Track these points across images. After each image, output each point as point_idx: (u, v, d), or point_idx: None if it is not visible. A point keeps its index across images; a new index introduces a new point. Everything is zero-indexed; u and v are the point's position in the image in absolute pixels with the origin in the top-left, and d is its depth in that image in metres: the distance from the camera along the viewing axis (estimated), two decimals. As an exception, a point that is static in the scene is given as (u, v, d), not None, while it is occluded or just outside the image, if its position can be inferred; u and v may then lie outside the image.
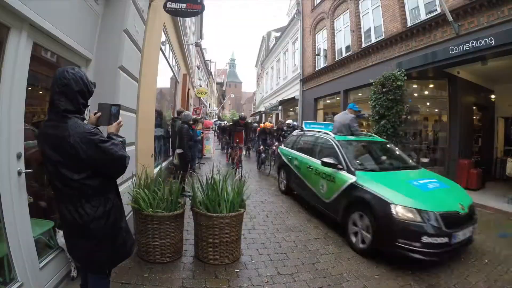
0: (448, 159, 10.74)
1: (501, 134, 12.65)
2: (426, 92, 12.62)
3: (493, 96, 12.97)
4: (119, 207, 2.38)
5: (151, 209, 3.81)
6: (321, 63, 18.43)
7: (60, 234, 3.03)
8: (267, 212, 6.60)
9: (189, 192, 4.55)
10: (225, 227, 3.94)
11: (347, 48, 15.49)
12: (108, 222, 2.22)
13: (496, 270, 4.18)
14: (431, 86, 12.31)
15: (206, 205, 4.06)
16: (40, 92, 3.31)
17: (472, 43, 8.40)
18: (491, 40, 7.92)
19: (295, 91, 22.20)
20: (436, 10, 10.04)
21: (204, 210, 4.03)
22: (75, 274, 3.16)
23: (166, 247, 3.89)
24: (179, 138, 7.50)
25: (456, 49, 8.91)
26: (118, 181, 2.49)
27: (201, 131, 14.87)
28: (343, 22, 15.90)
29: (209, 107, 43.20)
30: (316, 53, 18.84)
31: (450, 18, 8.81)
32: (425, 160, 10.85)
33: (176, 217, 3.93)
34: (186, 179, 5.95)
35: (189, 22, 15.82)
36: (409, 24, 11.22)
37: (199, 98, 26.04)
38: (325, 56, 17.79)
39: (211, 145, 15.94)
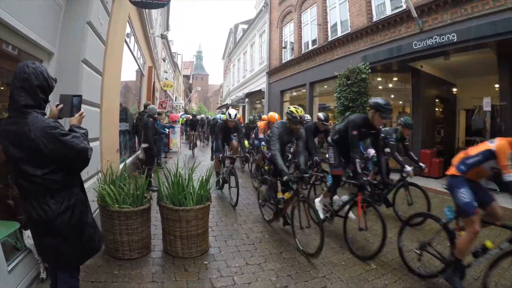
0: (411, 149, 11.23)
1: (463, 125, 13.43)
2: (390, 85, 13.07)
3: (455, 89, 13.64)
4: (84, 201, 2.36)
5: (117, 205, 3.77)
6: (287, 56, 18.67)
7: (26, 234, 2.95)
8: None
9: (155, 186, 4.53)
10: (192, 220, 3.96)
11: (314, 41, 15.75)
12: (73, 217, 2.20)
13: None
14: (395, 79, 12.77)
15: (172, 199, 4.07)
16: (2, 88, 3.19)
17: (435, 38, 8.80)
18: (453, 36, 8.32)
19: (261, 84, 22.35)
20: (401, 6, 10.40)
21: (170, 204, 4.03)
22: (45, 276, 3.09)
23: (134, 242, 3.86)
24: (144, 132, 7.43)
25: (419, 44, 9.30)
26: (83, 177, 2.46)
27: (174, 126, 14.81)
28: (310, 15, 16.15)
29: (176, 101, 42.54)
30: (283, 46, 19.06)
31: (414, 14, 9.16)
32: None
33: (142, 212, 3.91)
34: (152, 174, 5.92)
35: (155, 13, 15.51)
36: (375, 19, 11.58)
37: (165, 91, 25.60)
38: (292, 49, 18.02)
39: (178, 139, 15.79)
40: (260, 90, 22.29)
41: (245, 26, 29.28)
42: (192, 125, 17.12)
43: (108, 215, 3.78)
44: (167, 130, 12.56)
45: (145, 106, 8.84)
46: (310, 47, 15.98)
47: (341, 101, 10.50)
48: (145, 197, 4.10)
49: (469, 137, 12.19)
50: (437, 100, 13.25)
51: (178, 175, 4.17)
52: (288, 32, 18.65)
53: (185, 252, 4.00)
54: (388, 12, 10.98)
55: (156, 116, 8.33)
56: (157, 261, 3.91)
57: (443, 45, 8.70)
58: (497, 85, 9.36)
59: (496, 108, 9.18)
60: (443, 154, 11.14)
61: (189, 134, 18.23)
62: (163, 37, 17.51)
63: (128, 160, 7.97)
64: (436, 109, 13.36)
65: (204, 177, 4.33)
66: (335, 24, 14.13)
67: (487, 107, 8.38)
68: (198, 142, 18.35)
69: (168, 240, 4.07)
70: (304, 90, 16.81)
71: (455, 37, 8.30)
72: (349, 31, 12.85)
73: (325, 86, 15.31)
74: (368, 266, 4.01)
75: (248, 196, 7.32)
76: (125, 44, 7.41)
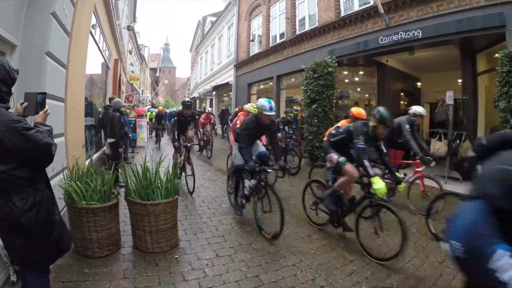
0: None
1: (427, 117, 14.02)
2: (356, 79, 13.47)
3: (419, 84, 14.26)
4: (50, 198, 2.32)
5: (84, 202, 3.69)
6: (255, 49, 18.78)
7: None
8: (203, 198, 6.69)
9: (122, 182, 4.48)
10: (160, 214, 3.95)
11: (282, 35, 15.89)
12: (40, 214, 2.17)
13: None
14: (361, 72, 13.18)
15: (140, 193, 4.04)
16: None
17: (401, 34, 9.13)
18: (418, 32, 8.69)
19: (229, 77, 22.37)
20: (369, 2, 10.66)
21: (138, 198, 4.01)
22: (15, 279, 2.98)
23: (104, 239, 3.81)
24: (110, 127, 7.28)
25: (385, 39, 9.62)
26: (49, 174, 2.42)
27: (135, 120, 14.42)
28: (278, 9, 16.28)
29: (142, 94, 41.68)
30: (251, 39, 19.12)
31: (381, 10, 9.42)
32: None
33: (110, 207, 3.86)
34: (119, 169, 5.84)
35: (122, 4, 15.12)
36: (342, 14, 11.80)
37: (132, 84, 25.05)
38: (260, 42, 18.10)
39: (145, 133, 15.52)
40: (227, 83, 22.27)
41: (214, 19, 29.05)
42: (181, 125, 8.12)
43: (75, 212, 3.70)
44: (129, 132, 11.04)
45: (110, 100, 8.64)
46: (278, 41, 16.12)
47: (308, 94, 10.70)
48: (113, 192, 4.04)
49: (433, 129, 12.75)
50: (402, 94, 13.76)
51: (145, 169, 4.13)
52: (257, 25, 18.72)
53: (155, 246, 3.99)
54: (356, 7, 11.24)
55: (122, 109, 8.18)
56: (128, 257, 3.88)
57: (409, 41, 9.06)
58: (460, 80, 9.86)
59: (459, 102, 9.68)
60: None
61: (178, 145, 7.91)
62: (130, 28, 17.15)
63: (95, 156, 7.78)
64: (401, 102, 13.89)
65: (171, 171, 4.30)
66: (303, 18, 14.31)
67: (449, 101, 8.79)
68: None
69: (137, 236, 4.05)
70: (271, 83, 16.99)
71: (420, 34, 8.66)
72: (317, 25, 13.04)
73: (292, 79, 15.54)
74: (335, 253, 4.17)
75: (216, 190, 7.36)
76: (90, 36, 7.19)
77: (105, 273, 3.45)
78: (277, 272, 3.63)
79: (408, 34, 8.96)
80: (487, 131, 8.58)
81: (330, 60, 10.64)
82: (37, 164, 2.22)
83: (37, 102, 2.28)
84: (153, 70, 72.98)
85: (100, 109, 9.33)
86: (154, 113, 20.05)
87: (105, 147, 7.96)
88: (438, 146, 9.26)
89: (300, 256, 4.07)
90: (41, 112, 2.31)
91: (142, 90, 42.61)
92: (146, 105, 34.40)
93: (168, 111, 22.38)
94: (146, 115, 17.73)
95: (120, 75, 14.91)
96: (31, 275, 2.29)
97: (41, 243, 2.19)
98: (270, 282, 3.41)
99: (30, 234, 2.13)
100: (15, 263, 2.61)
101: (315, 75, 10.54)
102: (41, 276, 2.33)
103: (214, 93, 26.90)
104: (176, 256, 3.94)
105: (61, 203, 3.09)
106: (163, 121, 17.52)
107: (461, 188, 5.79)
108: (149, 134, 18.09)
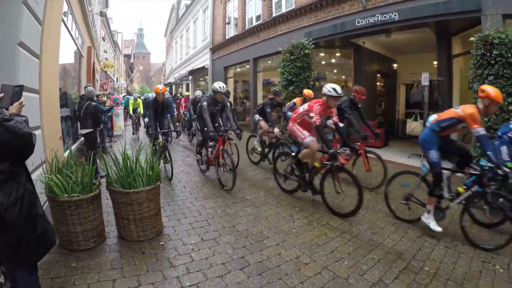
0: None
1: (403, 98, 14.51)
2: (333, 60, 13.60)
3: (395, 65, 14.53)
4: (32, 192, 2.30)
5: (66, 194, 3.66)
6: (231, 32, 18.64)
7: None
8: (184, 183, 6.73)
9: (102, 172, 4.44)
10: (143, 201, 3.97)
11: (258, 17, 15.82)
12: (23, 209, 2.15)
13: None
14: (338, 54, 13.29)
15: (122, 182, 4.04)
16: None
17: (378, 16, 9.24)
18: (395, 15, 8.81)
19: (205, 61, 22.21)
20: (346, -16, 10.60)
21: (120, 187, 4.00)
22: (3, 280, 2.96)
23: (88, 231, 3.80)
24: (84, 117, 7.15)
25: (362, 22, 9.70)
26: (29, 169, 2.39)
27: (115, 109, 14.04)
28: (254, -9, 16.06)
29: (117, 81, 40.74)
30: (227, 21, 18.95)
31: (359, -8, 9.47)
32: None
33: (93, 198, 3.83)
34: (97, 160, 5.79)
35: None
36: (319, -5, 11.75)
37: (106, 72, 24.43)
38: (236, 25, 17.97)
39: (122, 122, 15.19)
40: (203, 67, 22.07)
41: (188, 2, 28.43)
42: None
43: (58, 206, 3.67)
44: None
45: (85, 89, 8.47)
46: (254, 23, 16.03)
47: (285, 76, 10.79)
48: (94, 183, 4.01)
49: (409, 110, 13.10)
50: (378, 75, 13.99)
51: (125, 157, 4.10)
52: (232, 7, 18.53)
53: (140, 235, 4.02)
54: (333, -11, 11.21)
55: (96, 98, 8.06)
56: (114, 248, 3.89)
57: (385, 23, 9.17)
58: (435, 62, 10.09)
59: (434, 83, 9.93)
60: (385, 125, 12.14)
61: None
62: (102, 14, 16.68)
63: (73, 147, 7.66)
64: (378, 83, 14.13)
65: (151, 158, 4.28)
66: (280, 0, 14.25)
67: (425, 82, 9.05)
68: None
69: (122, 225, 4.06)
70: (248, 66, 16.97)
71: (397, 16, 8.78)
72: (294, 7, 13.01)
73: (269, 62, 15.55)
74: (317, 231, 4.32)
75: (197, 174, 7.42)
76: (62, 23, 6.98)
77: (92, 265, 3.45)
78: (262, 252, 3.73)
79: (385, 17, 9.06)
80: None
81: (307, 42, 10.70)
82: (18, 155, 2.20)
83: (13, 93, 2.27)
84: (127, 56, 71.48)
85: (75, 99, 9.13)
86: (140, 101, 15.36)
87: (82, 138, 7.82)
88: (414, 126, 9.64)
89: (283, 235, 4.19)
90: (16, 103, 2.28)
91: (117, 78, 41.66)
92: (121, 93, 33.63)
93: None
94: (128, 104, 16.65)
95: (94, 63, 14.54)
96: (20, 274, 2.27)
97: (28, 238, 2.18)
98: (256, 263, 3.51)
99: (16, 229, 2.12)
100: (3, 263, 2.58)
101: (292, 57, 10.61)
102: (30, 273, 2.32)
103: (190, 77, 26.61)
104: (161, 243, 3.98)
105: (42, 198, 3.04)
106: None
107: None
108: (133, 133, 15.06)
